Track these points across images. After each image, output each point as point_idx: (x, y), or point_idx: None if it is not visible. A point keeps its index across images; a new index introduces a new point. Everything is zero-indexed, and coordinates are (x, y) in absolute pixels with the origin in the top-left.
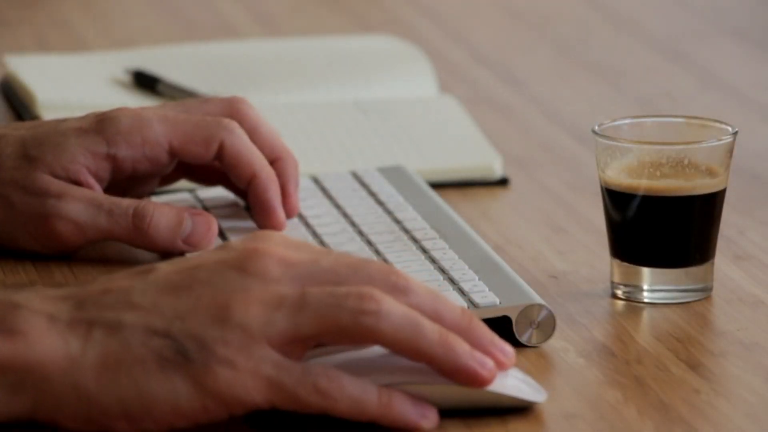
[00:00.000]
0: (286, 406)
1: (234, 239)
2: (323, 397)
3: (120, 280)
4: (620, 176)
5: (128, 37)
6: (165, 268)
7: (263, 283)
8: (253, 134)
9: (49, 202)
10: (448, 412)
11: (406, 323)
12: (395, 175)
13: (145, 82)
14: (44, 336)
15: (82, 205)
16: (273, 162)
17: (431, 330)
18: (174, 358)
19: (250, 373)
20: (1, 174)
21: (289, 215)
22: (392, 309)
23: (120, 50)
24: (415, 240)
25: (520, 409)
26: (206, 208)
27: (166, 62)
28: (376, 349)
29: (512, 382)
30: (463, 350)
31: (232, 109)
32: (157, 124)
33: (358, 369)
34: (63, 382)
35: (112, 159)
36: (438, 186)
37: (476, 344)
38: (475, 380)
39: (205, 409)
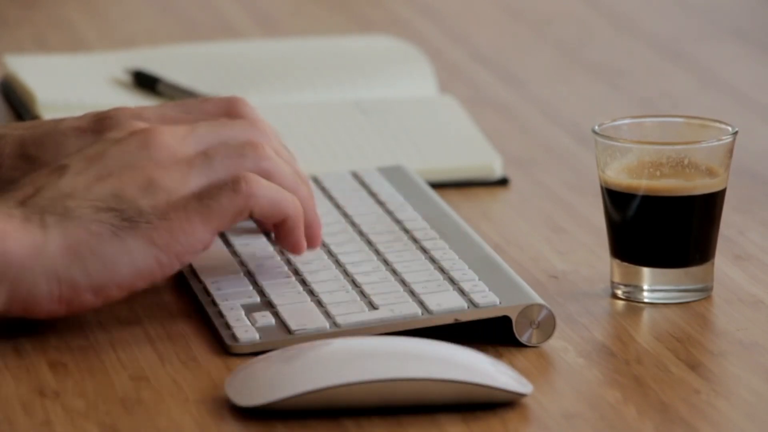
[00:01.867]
0: (225, 222)
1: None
2: (245, 199)
3: (41, 179)
4: (620, 176)
5: (128, 37)
6: (75, 165)
7: (168, 151)
8: None
9: None
10: (447, 411)
11: (287, 165)
12: (395, 175)
13: (145, 82)
14: (10, 231)
15: None
16: None
17: (299, 174)
18: (123, 225)
19: (185, 219)
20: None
21: None
22: (275, 154)
23: (120, 50)
24: (415, 240)
25: (518, 408)
26: None
27: (166, 62)
28: (374, 340)
29: (501, 377)
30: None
31: (231, 108)
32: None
33: (356, 358)
34: (34, 269)
35: None
36: (438, 186)
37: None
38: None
39: (160, 264)
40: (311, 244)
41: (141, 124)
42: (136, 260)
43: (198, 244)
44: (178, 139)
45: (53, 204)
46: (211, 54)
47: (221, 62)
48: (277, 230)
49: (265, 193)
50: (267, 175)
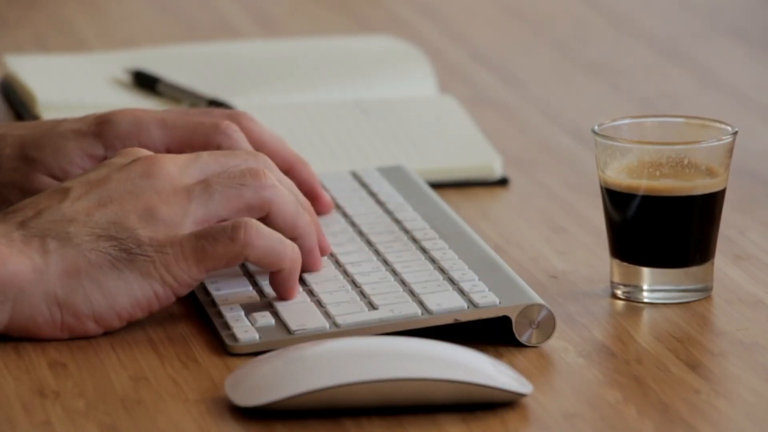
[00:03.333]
0: (219, 265)
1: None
2: (241, 248)
3: (44, 202)
4: (620, 176)
5: (128, 37)
6: (77, 189)
7: (170, 181)
8: (261, 148)
9: None
10: (447, 411)
11: (291, 196)
12: (395, 175)
13: (145, 82)
14: (10, 253)
15: None
16: (287, 172)
17: (302, 202)
18: (121, 256)
19: (180, 255)
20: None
21: (327, 210)
22: (278, 183)
23: (120, 50)
24: (415, 240)
25: (518, 408)
26: None
27: (166, 62)
28: (374, 340)
29: (501, 377)
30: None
31: (234, 121)
32: (155, 129)
33: (356, 358)
34: (35, 293)
35: None
36: (438, 186)
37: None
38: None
39: (157, 296)
40: (310, 269)
41: (145, 152)
42: (134, 291)
43: (191, 281)
44: (180, 168)
45: (54, 228)
46: (211, 54)
47: (221, 62)
48: (272, 276)
49: (263, 243)
50: (268, 204)
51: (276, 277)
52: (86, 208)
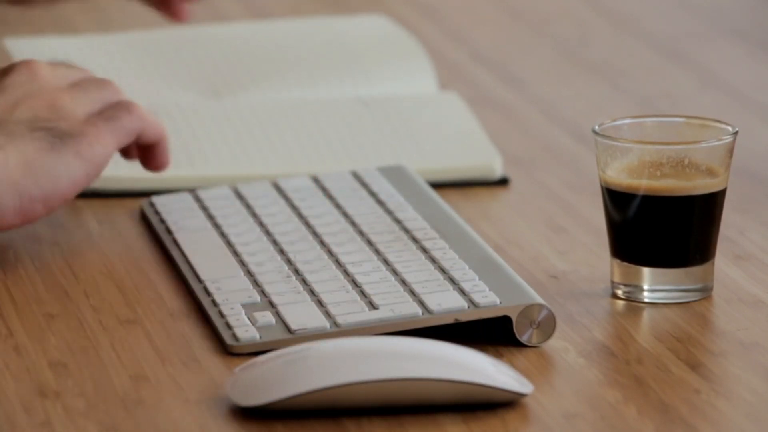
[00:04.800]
0: (127, 139)
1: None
2: (139, 119)
3: None
4: (620, 176)
5: None
6: None
7: (55, 79)
8: None
9: None
10: (447, 411)
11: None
12: (395, 174)
13: None
14: None
15: None
16: None
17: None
18: (55, 141)
19: (97, 134)
20: None
21: None
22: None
23: (112, 33)
24: (415, 240)
25: (518, 408)
26: (205, 208)
27: (166, 58)
28: (374, 340)
29: (501, 377)
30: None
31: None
32: None
33: (356, 358)
34: (2, 181)
35: None
36: (438, 186)
37: None
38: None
39: (87, 175)
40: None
41: (19, 61)
42: (72, 172)
43: (108, 157)
44: (55, 68)
45: None
46: (211, 53)
47: (222, 59)
48: (151, 151)
49: (149, 116)
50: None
51: (158, 149)
52: (4, 109)
